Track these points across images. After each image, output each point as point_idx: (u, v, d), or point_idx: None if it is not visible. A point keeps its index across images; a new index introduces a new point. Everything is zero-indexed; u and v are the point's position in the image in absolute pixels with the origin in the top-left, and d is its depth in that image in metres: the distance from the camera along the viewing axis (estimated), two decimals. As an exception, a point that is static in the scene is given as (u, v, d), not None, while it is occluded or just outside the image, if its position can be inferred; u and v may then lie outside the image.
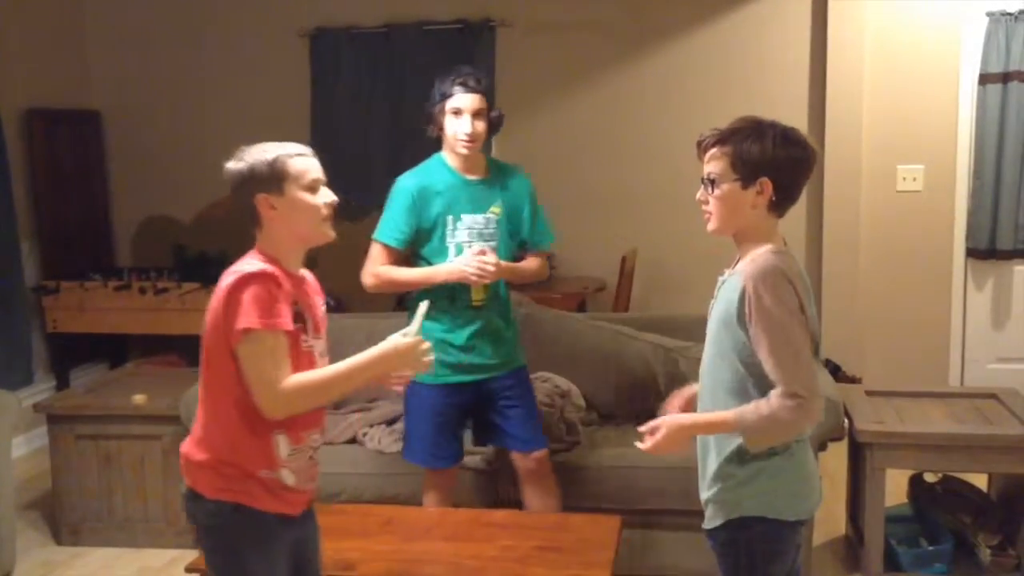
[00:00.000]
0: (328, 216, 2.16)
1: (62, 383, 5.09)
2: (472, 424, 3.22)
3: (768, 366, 1.96)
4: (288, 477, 2.08)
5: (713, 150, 2.07)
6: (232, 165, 2.11)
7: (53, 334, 4.99)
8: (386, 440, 3.66)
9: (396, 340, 2.11)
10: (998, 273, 5.03)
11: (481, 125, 2.91)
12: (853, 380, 4.62)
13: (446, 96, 2.92)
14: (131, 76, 5.67)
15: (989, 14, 4.79)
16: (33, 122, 5.06)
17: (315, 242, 2.17)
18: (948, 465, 3.32)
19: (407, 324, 2.19)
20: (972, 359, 5.09)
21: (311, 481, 2.17)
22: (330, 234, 2.17)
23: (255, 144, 2.13)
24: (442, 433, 3.07)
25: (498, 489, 3.44)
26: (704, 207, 2.10)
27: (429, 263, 3.00)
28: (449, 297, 2.98)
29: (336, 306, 5.20)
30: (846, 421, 3.32)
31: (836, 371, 4.70)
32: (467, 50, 5.32)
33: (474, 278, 2.89)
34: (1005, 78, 4.77)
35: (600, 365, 3.86)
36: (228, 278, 2.01)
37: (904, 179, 5.00)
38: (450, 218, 2.97)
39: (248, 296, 1.96)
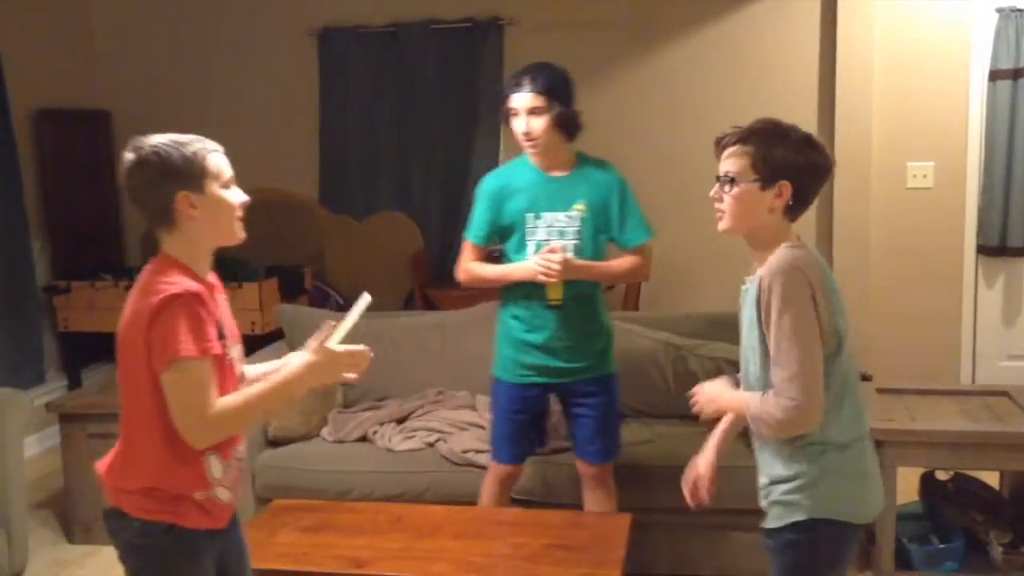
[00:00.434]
0: (241, 216, 2.06)
1: (74, 382, 5.11)
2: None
3: (772, 363, 1.95)
4: (223, 494, 2.04)
5: (733, 148, 2.04)
6: (135, 157, 1.95)
7: (64, 333, 5.02)
8: (396, 438, 3.66)
9: (308, 356, 2.02)
10: (1009, 270, 5.01)
11: (539, 123, 2.86)
12: (864, 378, 4.59)
13: (505, 97, 2.92)
14: (140, 76, 5.69)
15: (999, 10, 4.77)
16: (43, 122, 5.08)
17: (228, 243, 2.06)
18: (960, 463, 3.31)
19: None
20: (983, 356, 5.07)
21: (237, 492, 2.13)
22: (241, 235, 2.08)
23: (154, 135, 1.98)
24: (512, 431, 3.07)
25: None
26: (717, 205, 2.07)
27: (512, 260, 3.00)
28: (527, 296, 2.97)
29: (344, 305, 5.21)
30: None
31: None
32: (475, 49, 5.33)
33: (542, 276, 2.86)
34: (1015, 74, 4.75)
35: (609, 363, 3.87)
36: (150, 298, 1.88)
37: (914, 176, 4.99)
38: (530, 215, 2.95)
39: (176, 320, 1.85)
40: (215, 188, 1.99)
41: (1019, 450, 3.12)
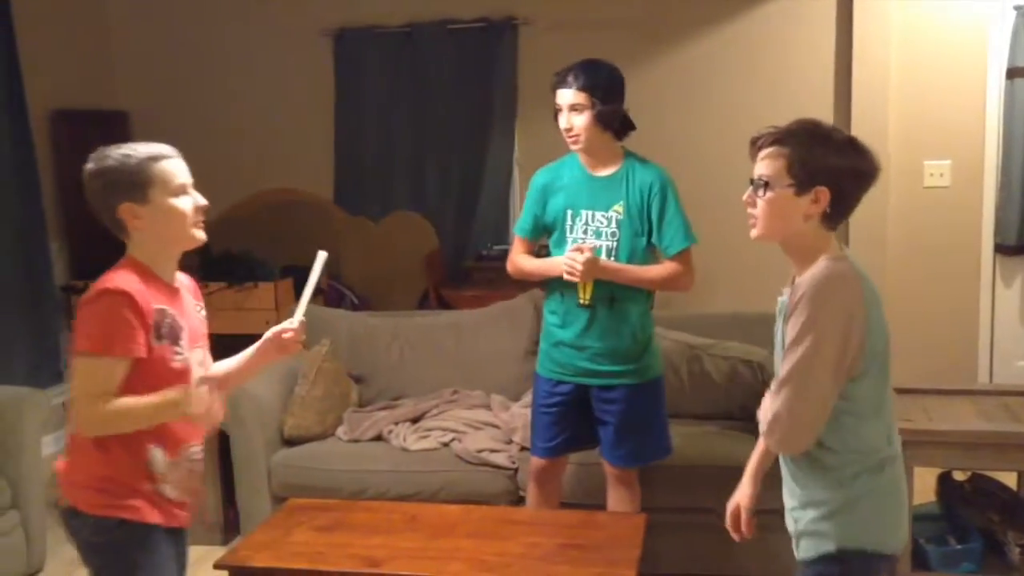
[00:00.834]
0: (198, 220, 2.08)
1: (91, 382, 5.14)
2: None
3: (783, 365, 1.85)
4: (168, 491, 2.05)
5: (769, 150, 1.89)
6: (87, 169, 2.01)
7: (81, 333, 5.04)
8: (411, 437, 3.67)
9: (177, 392, 1.98)
10: (1027, 269, 4.98)
11: (580, 120, 2.85)
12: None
13: (552, 92, 2.92)
14: (157, 77, 5.72)
15: (1017, 8, 4.73)
16: (60, 124, 5.11)
17: (186, 247, 2.09)
18: (977, 463, 3.29)
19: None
20: (1001, 356, 5.03)
21: (192, 494, 2.13)
22: (199, 238, 2.09)
23: (116, 146, 2.03)
24: (543, 424, 3.08)
25: (521, 487, 3.44)
26: (750, 210, 1.93)
27: (553, 256, 3.01)
28: (562, 293, 2.98)
29: (359, 304, 5.22)
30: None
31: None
32: (490, 49, 5.33)
33: (566, 275, 2.86)
34: (1033, 72, 4.72)
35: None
36: (90, 291, 1.96)
37: (931, 175, 4.96)
38: (570, 212, 2.96)
39: (95, 314, 1.92)
40: (161, 197, 2.00)
41: (1037, 451, 3.09)
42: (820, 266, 1.86)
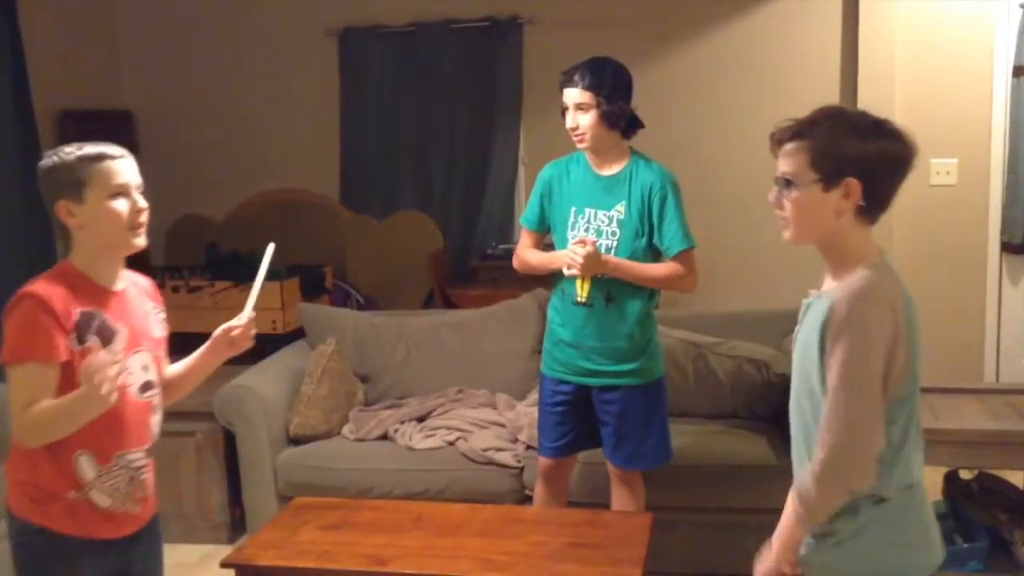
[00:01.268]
0: (136, 224, 2.00)
1: (96, 381, 5.15)
2: None
3: (826, 404, 1.69)
4: (101, 499, 2.00)
5: (789, 145, 1.73)
6: (39, 165, 1.99)
7: (87, 332, 5.05)
8: (416, 436, 3.67)
9: (86, 391, 1.86)
10: (1033, 268, 4.96)
11: (586, 119, 2.86)
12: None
13: (560, 90, 2.92)
14: (162, 76, 5.73)
15: (1023, 5, 4.72)
16: (66, 123, 5.12)
17: (123, 252, 2.04)
18: (983, 462, 3.28)
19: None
20: (1007, 355, 5.02)
21: (138, 503, 2.08)
22: (138, 244, 2.02)
23: (68, 143, 1.99)
24: (548, 423, 3.08)
25: (527, 485, 3.44)
26: (778, 212, 1.78)
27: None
28: (563, 290, 2.99)
29: (365, 303, 5.23)
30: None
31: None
32: (494, 48, 5.32)
33: (565, 268, 2.86)
34: (1040, 70, 4.70)
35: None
36: (12, 297, 1.94)
37: (937, 173, 4.95)
38: (573, 210, 2.96)
39: (14, 322, 1.90)
40: (97, 197, 1.96)
41: (1044, 449, 3.08)
42: (858, 277, 1.70)
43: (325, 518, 2.86)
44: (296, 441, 3.73)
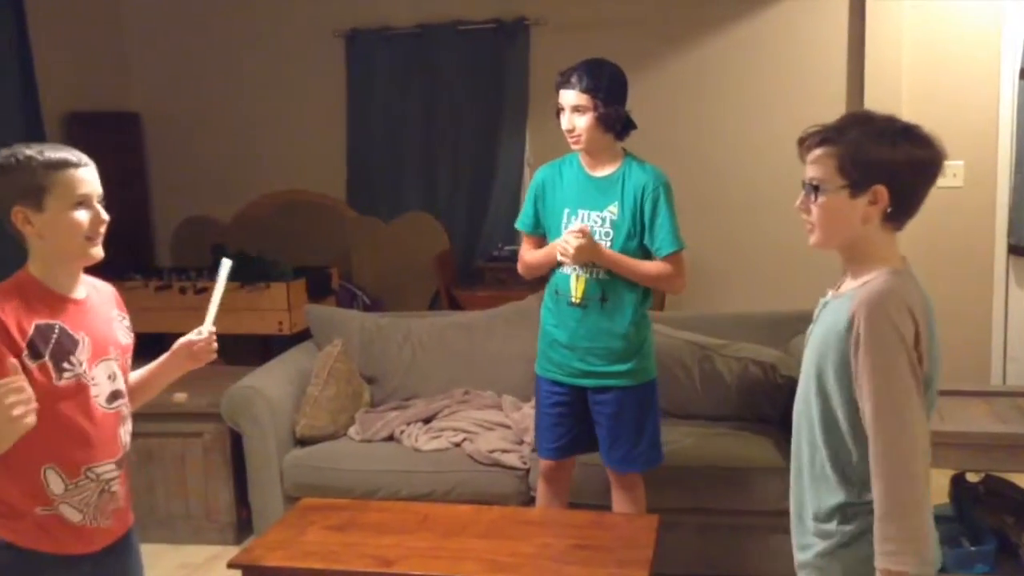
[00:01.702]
0: (94, 235, 1.94)
1: (104, 382, 5.16)
2: None
3: (867, 419, 1.68)
4: (71, 513, 1.92)
5: (817, 151, 1.73)
6: None
7: (95, 333, 5.07)
8: (423, 438, 3.68)
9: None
10: (1041, 270, 4.95)
11: (582, 121, 2.86)
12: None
13: (556, 91, 2.93)
14: (170, 79, 5.75)
15: (1031, 7, 4.71)
16: (74, 125, 5.14)
17: (81, 263, 1.96)
18: (990, 465, 3.27)
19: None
20: (1014, 357, 5.00)
21: (109, 517, 1.99)
22: (95, 255, 1.96)
23: (28, 145, 1.90)
24: (545, 425, 3.08)
25: (532, 487, 3.44)
26: (805, 217, 1.77)
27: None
28: (557, 291, 2.99)
29: (371, 305, 5.24)
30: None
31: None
32: (501, 50, 5.34)
33: (559, 255, 2.86)
34: (1047, 72, 4.69)
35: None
36: None
37: (944, 175, 4.92)
38: (567, 211, 2.96)
39: None
40: (57, 206, 1.87)
41: (1051, 452, 3.08)
42: (878, 282, 1.69)
43: (331, 519, 2.87)
44: (303, 442, 3.74)
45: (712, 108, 5.23)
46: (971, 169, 4.92)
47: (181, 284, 4.76)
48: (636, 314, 2.97)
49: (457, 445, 3.63)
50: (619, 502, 3.10)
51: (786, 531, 1.99)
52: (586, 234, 2.83)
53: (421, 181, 5.56)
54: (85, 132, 5.22)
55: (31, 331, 1.86)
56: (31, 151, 1.88)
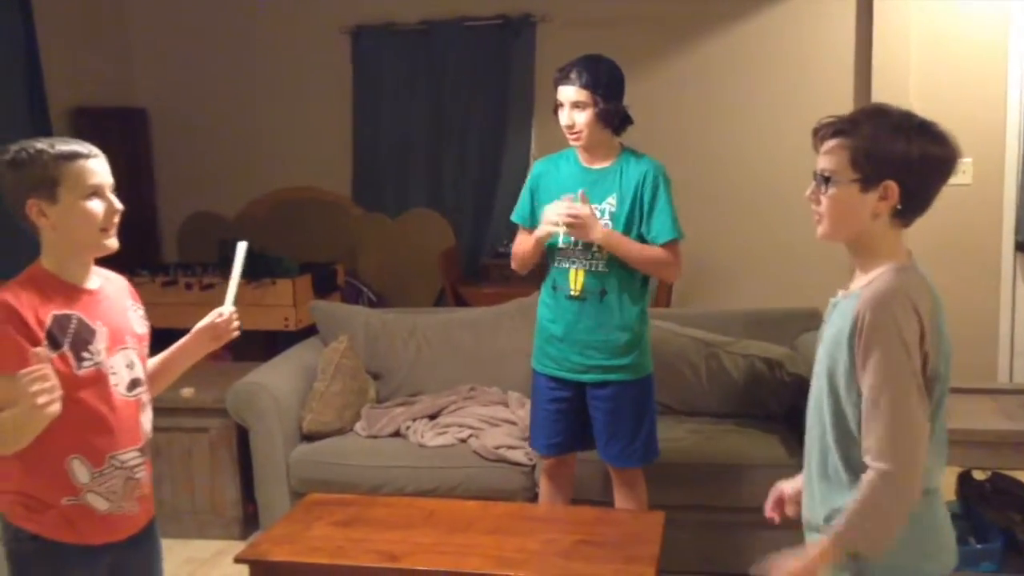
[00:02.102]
0: (109, 226, 1.97)
1: (110, 377, 5.17)
2: None
3: (864, 416, 1.67)
4: (98, 502, 1.96)
5: (831, 142, 1.72)
6: (5, 159, 1.90)
7: (101, 329, 5.08)
8: (428, 434, 3.68)
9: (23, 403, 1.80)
10: (1048, 267, 4.94)
11: (582, 117, 2.86)
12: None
13: (555, 87, 2.93)
14: (176, 74, 5.75)
15: (1039, 3, 4.70)
16: (80, 120, 5.15)
17: (95, 254, 2.00)
18: (997, 462, 3.26)
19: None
20: (1021, 354, 4.99)
21: (136, 503, 2.04)
22: (109, 245, 1.99)
23: (38, 139, 1.93)
24: (541, 420, 3.08)
25: (538, 483, 3.44)
26: (814, 207, 1.76)
27: (550, 248, 2.98)
28: (554, 285, 2.98)
29: (376, 301, 5.24)
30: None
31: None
32: (507, 46, 5.33)
33: (563, 224, 2.79)
34: (1055, 68, 4.68)
35: (642, 360, 3.86)
36: None
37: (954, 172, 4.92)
38: None
39: None
40: (71, 197, 1.91)
41: (1058, 450, 3.07)
42: (884, 278, 1.69)
43: (338, 514, 2.87)
44: (309, 437, 3.74)
45: (718, 105, 5.22)
46: (979, 166, 4.91)
47: (187, 280, 4.77)
48: (635, 308, 2.97)
49: (463, 441, 3.63)
50: (621, 498, 3.10)
51: (790, 528, 1.99)
52: (584, 203, 2.82)
53: (427, 178, 5.56)
54: (91, 127, 5.23)
55: (49, 322, 1.89)
56: (42, 144, 1.91)
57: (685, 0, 5.21)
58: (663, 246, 2.92)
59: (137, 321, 2.12)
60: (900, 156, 1.66)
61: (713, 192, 5.16)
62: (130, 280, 2.23)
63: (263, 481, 3.68)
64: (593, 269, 2.92)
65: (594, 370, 2.97)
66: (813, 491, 1.83)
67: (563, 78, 2.90)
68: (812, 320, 3.93)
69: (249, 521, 3.88)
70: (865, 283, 1.72)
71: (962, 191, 4.94)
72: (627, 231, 2.92)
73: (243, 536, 3.83)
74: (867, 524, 1.68)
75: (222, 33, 5.70)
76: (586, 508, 3.11)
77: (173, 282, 4.77)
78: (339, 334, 4.03)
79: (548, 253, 3.01)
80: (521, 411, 3.77)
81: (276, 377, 3.78)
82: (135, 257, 5.24)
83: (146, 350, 2.13)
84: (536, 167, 3.11)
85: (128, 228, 2.09)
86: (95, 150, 1.97)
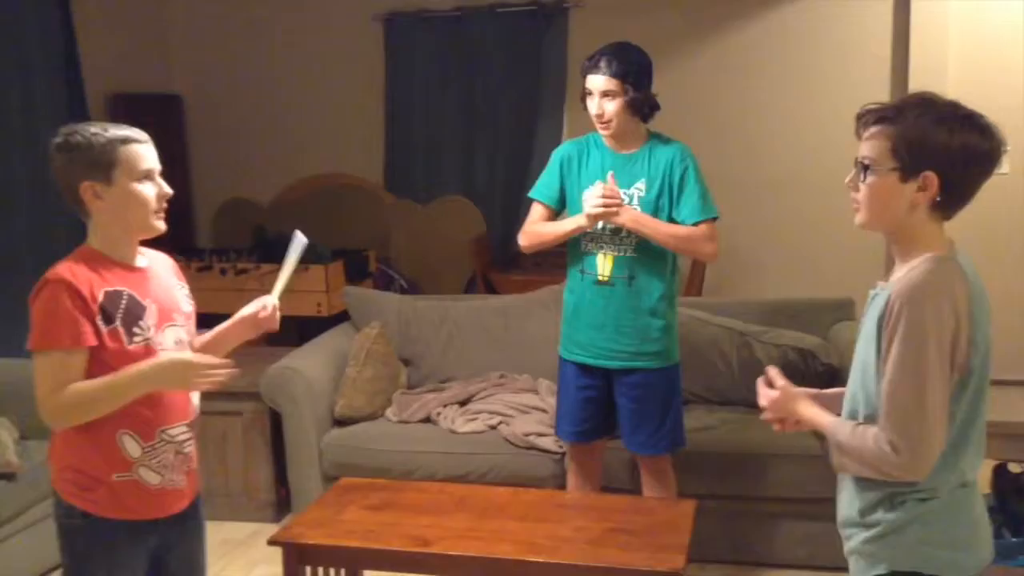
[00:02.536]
0: (159, 209, 2.03)
1: (146, 361, 5.24)
2: None
3: (883, 399, 1.66)
4: (150, 476, 2.02)
5: (873, 128, 1.69)
6: (55, 143, 1.96)
7: (137, 313, 5.14)
8: (459, 420, 3.70)
9: (175, 357, 2.00)
10: (1088, 258, 4.85)
11: (612, 106, 2.86)
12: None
13: (583, 76, 2.92)
14: (211, 61, 5.79)
15: (1083, -11, 4.60)
16: (117, 107, 5.20)
17: (143, 235, 2.05)
18: (1033, 455, 3.23)
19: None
20: (1059, 347, 4.92)
21: (184, 478, 2.10)
22: (159, 227, 2.05)
23: (88, 123, 1.99)
24: (567, 407, 3.09)
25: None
26: (853, 195, 1.74)
27: (576, 237, 2.97)
28: (581, 271, 2.98)
29: (408, 288, 5.26)
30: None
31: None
32: (539, 33, 5.31)
33: (599, 209, 2.79)
34: (1099, 56, 4.59)
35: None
36: (40, 281, 1.94)
37: (992, 162, 4.85)
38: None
39: (39, 309, 1.91)
40: (125, 180, 1.96)
41: (1096, 443, 3.03)
42: (919, 269, 1.66)
43: (369, 498, 2.89)
44: (341, 422, 3.77)
45: (753, 92, 5.17)
46: (1017, 156, 4.82)
47: (222, 265, 4.82)
48: (663, 293, 2.96)
49: (493, 428, 3.64)
50: (649, 487, 3.10)
51: (819, 519, 1.96)
52: (613, 187, 2.82)
53: (458, 165, 5.56)
54: (128, 113, 5.28)
55: (101, 298, 1.95)
56: (95, 128, 1.97)
57: (719, -14, 5.17)
58: (697, 224, 2.90)
59: (183, 299, 2.17)
60: (941, 147, 1.63)
61: (747, 180, 5.12)
62: (169, 263, 2.27)
63: (295, 465, 3.72)
64: (622, 254, 2.92)
65: (622, 356, 2.96)
66: (848, 485, 1.82)
67: (592, 67, 2.89)
68: (846, 310, 3.90)
69: (282, 504, 3.92)
70: (903, 274, 1.70)
71: (1001, 181, 4.82)
72: (656, 215, 2.91)
73: (276, 519, 3.88)
74: (848, 463, 1.75)
75: (256, 20, 5.73)
76: (617, 496, 3.12)
77: (208, 267, 4.82)
78: (371, 320, 4.06)
79: (573, 238, 2.99)
80: (551, 398, 3.77)
81: (309, 362, 3.81)
82: (171, 242, 5.29)
83: (193, 328, 2.18)
84: (564, 148, 3.08)
85: (164, 214, 2.12)
86: (145, 135, 2.03)
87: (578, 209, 2.95)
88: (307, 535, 2.67)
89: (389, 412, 3.83)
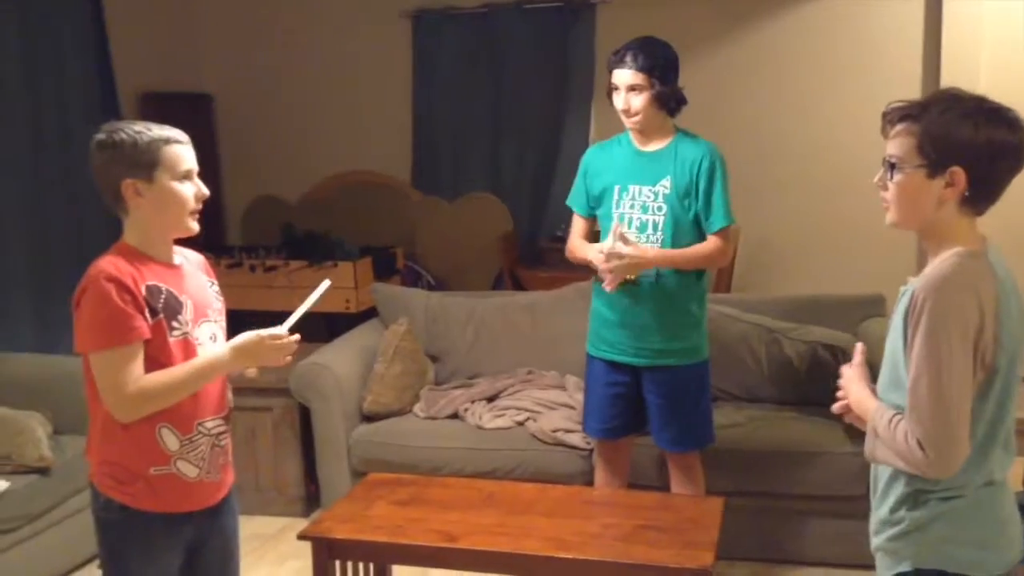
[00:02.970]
0: (196, 209, 2.06)
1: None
2: None
3: (908, 398, 1.64)
4: (188, 469, 2.05)
5: (899, 126, 1.69)
6: (96, 140, 1.99)
7: (168, 310, 5.20)
8: (486, 416, 3.71)
9: (248, 336, 2.06)
10: (1125, 254, 4.78)
11: (639, 100, 2.86)
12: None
13: (609, 71, 2.92)
14: (241, 60, 5.84)
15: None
16: (149, 105, 5.25)
17: (179, 234, 2.08)
18: (1067, 454, 3.19)
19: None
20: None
21: (220, 470, 2.13)
22: (193, 228, 2.07)
23: (129, 122, 2.02)
24: (595, 404, 3.09)
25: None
26: (882, 193, 1.74)
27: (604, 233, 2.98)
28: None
29: (435, 284, 5.28)
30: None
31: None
32: (567, 29, 5.31)
33: (610, 276, 2.84)
34: None
35: (701, 345, 3.83)
36: (83, 280, 1.96)
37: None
38: (617, 187, 2.95)
39: (90, 309, 1.93)
40: (166, 179, 1.99)
41: None
42: (945, 263, 1.65)
43: (398, 494, 2.91)
44: (369, 418, 3.79)
45: (783, 88, 5.14)
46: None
47: (251, 262, 4.86)
48: (691, 290, 2.96)
49: (520, 424, 3.65)
50: (677, 483, 3.09)
51: (847, 516, 1.94)
52: (626, 242, 2.82)
53: (485, 162, 5.57)
54: (159, 111, 5.32)
55: (143, 292, 1.98)
56: (139, 127, 2.00)
57: (748, -19, 5.13)
58: (716, 233, 2.91)
59: (214, 296, 2.20)
60: (966, 142, 1.62)
61: (776, 176, 5.09)
62: (200, 261, 2.29)
63: (324, 460, 3.74)
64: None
65: (650, 354, 2.96)
66: (879, 481, 1.81)
67: (618, 61, 2.88)
68: (876, 306, 3.86)
69: (311, 499, 3.95)
70: (930, 269, 1.69)
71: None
72: (683, 212, 2.90)
73: (305, 514, 3.90)
74: (878, 452, 1.72)
75: (285, 19, 5.77)
76: (645, 493, 3.10)
77: (238, 264, 4.86)
78: (399, 316, 4.08)
79: (600, 235, 3.00)
80: (579, 395, 3.77)
81: (338, 358, 3.84)
82: (201, 240, 5.34)
83: (224, 324, 2.21)
84: (589, 153, 3.11)
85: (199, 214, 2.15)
86: (186, 136, 2.06)
87: (607, 206, 2.96)
88: (336, 530, 2.69)
89: (417, 408, 3.85)
